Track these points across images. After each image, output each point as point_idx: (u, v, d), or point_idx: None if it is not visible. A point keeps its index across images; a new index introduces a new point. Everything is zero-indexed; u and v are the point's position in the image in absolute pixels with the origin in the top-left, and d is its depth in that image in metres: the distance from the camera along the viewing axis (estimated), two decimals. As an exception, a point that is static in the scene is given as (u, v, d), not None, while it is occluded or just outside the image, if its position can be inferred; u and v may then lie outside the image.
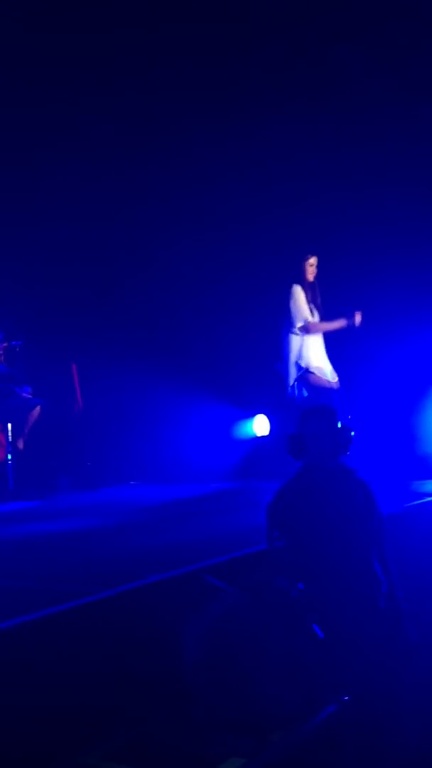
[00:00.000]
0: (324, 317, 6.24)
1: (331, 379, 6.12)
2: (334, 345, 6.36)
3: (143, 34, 6.77)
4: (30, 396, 6.96)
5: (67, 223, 7.55)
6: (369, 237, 7.14)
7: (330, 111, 7.05)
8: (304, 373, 6.04)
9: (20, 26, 6.56)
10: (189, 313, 7.85)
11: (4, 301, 6.97)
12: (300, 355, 6.07)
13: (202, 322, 7.78)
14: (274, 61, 6.91)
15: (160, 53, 6.89)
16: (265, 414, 7.53)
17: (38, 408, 6.89)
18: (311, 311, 6.15)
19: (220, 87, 7.11)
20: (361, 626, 3.16)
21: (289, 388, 6.14)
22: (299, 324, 6.09)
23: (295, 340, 6.11)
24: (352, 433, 3.48)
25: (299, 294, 6.09)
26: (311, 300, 6.15)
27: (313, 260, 6.18)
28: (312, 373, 6.05)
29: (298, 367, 6.08)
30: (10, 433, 6.84)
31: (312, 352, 6.09)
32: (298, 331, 6.09)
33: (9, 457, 6.81)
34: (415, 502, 5.26)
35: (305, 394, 6.06)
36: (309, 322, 6.06)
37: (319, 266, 6.38)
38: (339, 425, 3.49)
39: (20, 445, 6.86)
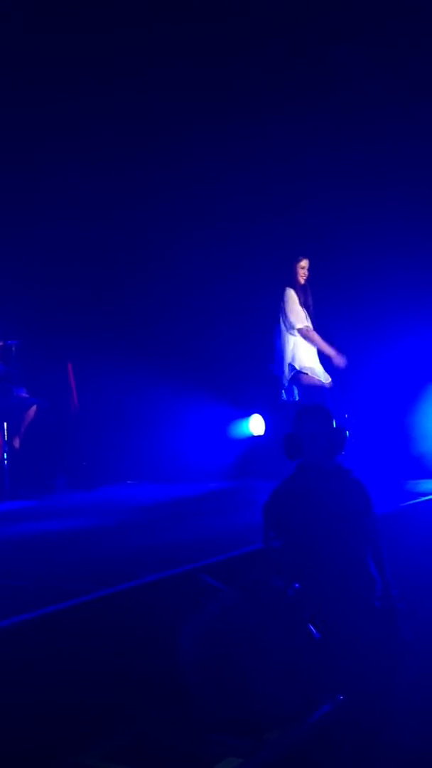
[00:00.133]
0: (316, 319, 6.25)
1: (323, 380, 6.14)
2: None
3: (143, 34, 6.77)
4: (26, 395, 6.97)
5: (63, 223, 7.55)
6: (364, 237, 7.15)
7: (328, 111, 7.05)
8: (297, 373, 6.07)
9: (20, 26, 6.56)
10: (185, 313, 7.85)
11: (0, 301, 6.97)
12: (293, 356, 6.10)
13: (198, 321, 7.79)
14: (273, 61, 6.92)
15: (159, 53, 6.89)
16: (260, 414, 7.54)
17: (34, 407, 6.89)
18: (305, 313, 6.17)
19: (219, 87, 7.12)
20: (356, 626, 3.17)
21: (283, 389, 6.16)
22: (299, 326, 6.11)
23: (289, 341, 6.13)
24: (348, 433, 3.49)
25: (293, 297, 6.11)
26: (303, 303, 6.17)
27: (304, 263, 6.20)
28: (305, 373, 6.08)
29: (291, 367, 6.10)
30: (6, 433, 6.84)
31: (305, 353, 6.12)
32: (294, 333, 6.11)
33: (5, 456, 6.81)
34: (410, 502, 5.28)
35: (299, 394, 6.08)
36: (307, 328, 6.09)
37: (316, 266, 6.40)
38: (334, 425, 3.51)
39: (16, 444, 6.86)
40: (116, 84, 7.05)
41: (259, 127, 7.22)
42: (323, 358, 6.31)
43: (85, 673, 2.97)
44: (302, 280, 6.19)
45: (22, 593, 3.44)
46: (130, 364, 7.57)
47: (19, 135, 7.03)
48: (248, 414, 7.61)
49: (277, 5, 6.67)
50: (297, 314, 6.12)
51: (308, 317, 6.19)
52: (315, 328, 6.22)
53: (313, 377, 6.09)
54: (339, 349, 6.35)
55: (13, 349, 7.06)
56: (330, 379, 6.18)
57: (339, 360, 6.19)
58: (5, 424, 6.85)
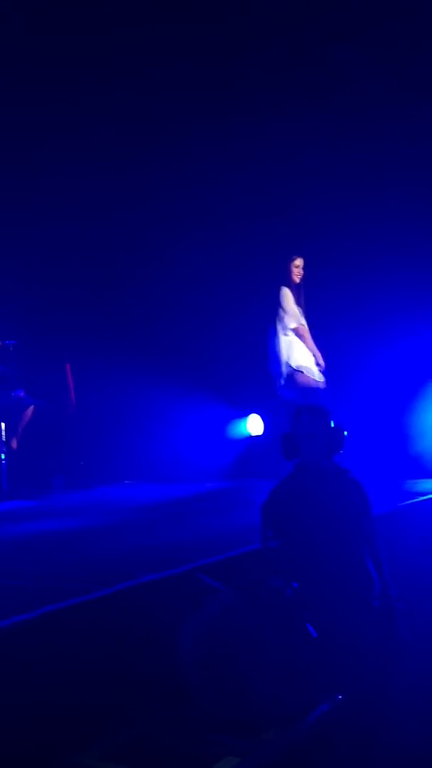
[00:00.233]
0: (309, 318, 6.25)
1: (318, 379, 6.13)
2: (326, 345, 6.37)
3: (143, 34, 6.77)
4: (24, 396, 6.96)
5: (60, 223, 7.56)
6: (362, 237, 7.16)
7: (328, 111, 7.06)
8: (293, 372, 6.06)
9: (20, 26, 6.55)
10: (184, 313, 7.86)
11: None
12: (289, 355, 6.09)
13: (197, 321, 7.79)
14: (273, 61, 6.92)
15: (159, 53, 6.89)
16: (258, 413, 7.54)
17: (32, 408, 6.89)
18: (300, 312, 6.16)
19: (219, 87, 7.12)
20: (355, 625, 3.18)
21: (279, 388, 6.15)
22: (294, 325, 6.10)
23: (285, 341, 6.12)
24: (345, 433, 3.49)
25: (288, 296, 6.11)
26: (296, 302, 6.15)
27: (298, 262, 6.19)
28: (300, 372, 6.06)
29: (287, 366, 6.09)
30: (3, 433, 6.83)
31: (300, 352, 6.11)
32: (289, 332, 6.10)
33: (3, 456, 6.81)
34: (408, 502, 5.28)
35: (294, 393, 6.07)
36: (300, 327, 6.07)
37: (316, 266, 6.40)
38: (332, 425, 3.51)
39: (14, 444, 6.86)
40: (116, 84, 7.05)
41: (259, 127, 7.22)
42: (324, 356, 6.30)
43: (83, 673, 2.97)
44: (297, 279, 6.18)
45: (20, 593, 3.44)
46: (127, 363, 7.57)
47: (17, 135, 7.03)
48: (246, 414, 7.62)
49: (277, 5, 6.67)
50: (293, 313, 6.11)
51: (303, 316, 6.18)
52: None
53: (308, 377, 6.08)
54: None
55: (11, 349, 7.05)
56: (323, 379, 6.17)
57: (320, 360, 6.18)
58: (3, 424, 6.84)
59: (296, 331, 6.10)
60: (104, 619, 3.17)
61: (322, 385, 6.13)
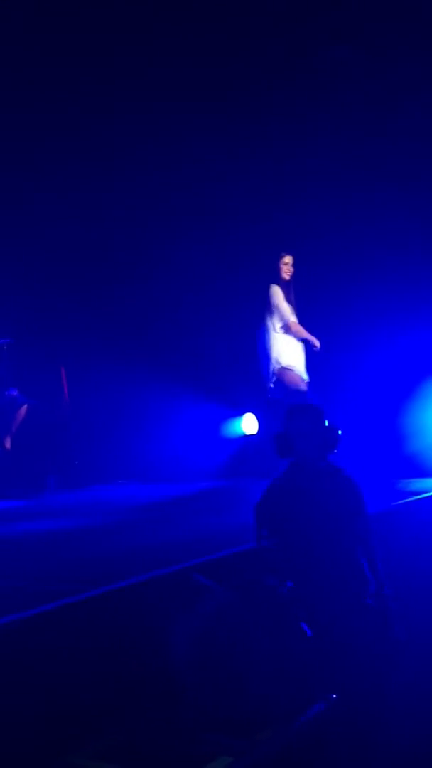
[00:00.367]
0: (300, 316, 6.22)
1: (305, 378, 6.11)
2: (320, 344, 6.36)
3: (143, 34, 6.76)
4: (17, 395, 6.95)
5: (56, 223, 7.54)
6: (359, 236, 7.16)
7: (319, 111, 7.07)
8: (281, 370, 6.02)
9: (20, 26, 6.54)
10: (178, 313, 7.85)
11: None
12: (279, 353, 6.05)
13: (190, 320, 7.78)
14: (268, 62, 6.92)
15: (158, 53, 6.88)
16: (253, 413, 7.54)
17: (25, 407, 6.87)
18: (290, 309, 6.14)
19: (218, 87, 7.11)
20: (349, 624, 3.18)
21: (269, 386, 6.12)
22: (282, 323, 6.05)
23: (275, 339, 6.08)
24: (340, 432, 3.49)
25: (278, 293, 6.08)
26: (287, 299, 6.13)
27: (288, 259, 6.15)
28: (289, 370, 6.03)
29: (276, 364, 6.05)
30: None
31: (289, 351, 6.07)
32: (279, 330, 6.07)
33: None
34: (402, 501, 5.29)
35: (282, 391, 6.04)
36: (291, 323, 6.04)
37: (311, 265, 6.38)
38: (326, 424, 3.50)
39: (7, 444, 6.85)
40: (115, 84, 7.04)
41: (252, 128, 7.22)
42: (318, 357, 6.29)
43: (77, 673, 2.96)
44: (287, 277, 6.15)
45: (13, 593, 3.43)
46: (122, 363, 7.57)
47: (14, 135, 7.02)
48: (241, 413, 7.62)
49: (277, 5, 6.66)
50: (283, 311, 6.08)
51: (293, 313, 6.15)
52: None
53: (296, 375, 6.05)
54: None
55: (5, 348, 7.04)
56: (308, 380, 6.13)
57: (316, 342, 6.13)
58: (-4, 423, 6.83)
59: (286, 329, 6.06)
60: (98, 619, 3.17)
61: (304, 386, 6.08)
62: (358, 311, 7.15)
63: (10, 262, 7.34)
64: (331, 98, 6.98)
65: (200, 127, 7.08)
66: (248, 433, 7.60)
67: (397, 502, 5.23)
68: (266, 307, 6.10)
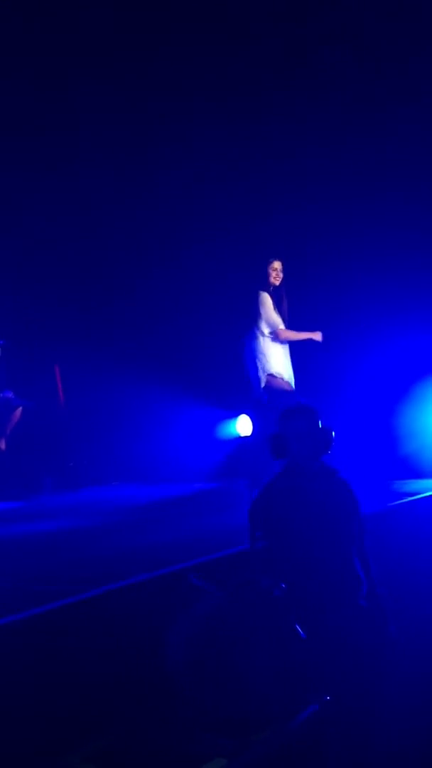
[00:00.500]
0: (294, 320, 6.19)
1: (291, 385, 6.07)
2: (315, 346, 6.37)
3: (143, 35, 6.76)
4: (12, 397, 6.94)
5: (51, 225, 7.55)
6: (354, 239, 7.17)
7: (311, 114, 7.08)
8: (268, 377, 5.96)
9: (19, 26, 6.54)
10: (173, 314, 7.86)
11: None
12: (267, 361, 5.98)
13: (186, 322, 7.79)
14: (270, 62, 6.93)
15: (158, 53, 6.88)
16: (248, 414, 7.54)
17: (20, 409, 6.87)
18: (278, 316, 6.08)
19: (217, 88, 7.12)
20: (343, 625, 3.18)
21: (257, 392, 6.07)
22: (268, 330, 5.98)
23: (263, 345, 6.00)
24: (333, 433, 3.50)
25: (267, 300, 5.98)
26: (276, 305, 6.06)
27: (277, 264, 6.04)
28: (276, 377, 5.98)
29: (264, 371, 5.99)
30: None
31: (275, 357, 6.01)
32: (266, 336, 5.99)
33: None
34: (396, 502, 5.30)
35: (270, 397, 5.99)
36: (279, 330, 5.96)
37: (304, 267, 6.34)
38: (320, 425, 3.51)
39: (2, 445, 6.84)
40: (114, 85, 7.04)
41: (253, 129, 7.22)
42: (313, 358, 6.26)
43: (72, 674, 2.97)
44: (276, 282, 6.05)
45: (8, 594, 3.43)
46: (117, 364, 7.57)
47: (13, 135, 7.02)
48: (236, 415, 7.62)
49: (276, 5, 6.66)
50: (271, 318, 6.00)
51: (282, 320, 6.08)
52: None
53: (283, 383, 6.01)
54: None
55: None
56: (294, 388, 6.09)
57: (316, 336, 6.09)
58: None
59: (274, 336, 5.98)
60: (93, 620, 3.17)
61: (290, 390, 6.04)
62: (352, 313, 7.17)
63: (4, 263, 7.33)
64: (326, 101, 6.99)
65: (198, 129, 7.09)
66: (243, 434, 7.60)
67: (391, 503, 5.24)
68: (254, 314, 6.01)
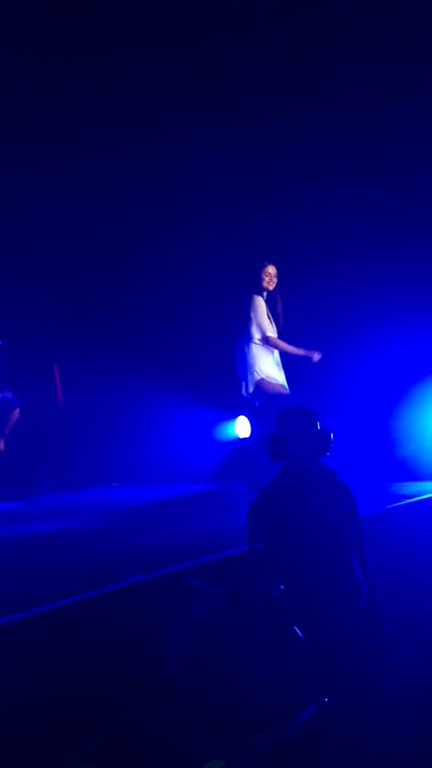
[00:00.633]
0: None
1: (285, 387, 6.05)
2: (313, 347, 6.35)
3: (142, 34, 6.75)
4: (11, 397, 6.94)
5: (50, 225, 7.55)
6: (350, 241, 7.18)
7: (306, 114, 7.09)
8: (260, 380, 5.93)
9: (19, 25, 6.55)
10: (172, 315, 7.86)
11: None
12: (258, 364, 5.95)
13: (185, 323, 7.79)
14: (269, 62, 6.93)
15: (157, 53, 6.88)
16: (246, 416, 7.55)
17: (18, 409, 6.86)
18: (270, 322, 6.06)
19: (213, 89, 7.12)
20: (342, 627, 3.19)
21: (247, 395, 6.03)
22: (258, 335, 5.95)
23: (255, 349, 5.97)
24: (332, 435, 3.51)
25: (259, 305, 5.95)
26: (270, 309, 6.03)
27: (271, 269, 6.00)
28: (269, 381, 5.95)
29: (255, 375, 5.96)
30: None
31: (265, 362, 5.97)
32: (257, 341, 5.96)
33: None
34: (395, 504, 5.31)
35: (262, 401, 5.97)
36: (269, 337, 5.93)
37: (302, 269, 6.32)
38: (319, 427, 3.52)
39: (1, 446, 6.84)
40: (113, 84, 7.04)
41: (256, 128, 7.22)
42: (309, 360, 6.25)
43: (72, 674, 2.97)
44: (270, 287, 5.98)
45: (6, 594, 3.44)
46: (116, 365, 7.57)
47: (12, 135, 7.02)
48: (234, 416, 7.63)
49: (276, 3, 6.66)
50: (261, 323, 5.97)
51: (274, 325, 6.00)
52: (282, 336, 6.02)
53: (277, 385, 5.99)
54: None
55: (-2, 349, 7.03)
56: (288, 391, 6.07)
57: (314, 355, 6.07)
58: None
59: (264, 341, 5.95)
60: (92, 621, 3.18)
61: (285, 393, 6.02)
62: (351, 315, 7.17)
63: (3, 263, 7.34)
64: (325, 101, 6.99)
65: (197, 129, 7.10)
66: (241, 436, 7.60)
67: (390, 506, 5.26)
68: (246, 318, 5.98)
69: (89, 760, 2.81)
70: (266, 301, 5.97)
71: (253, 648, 3.07)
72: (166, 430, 7.84)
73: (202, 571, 3.57)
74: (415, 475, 6.68)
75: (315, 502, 3.42)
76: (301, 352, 6.03)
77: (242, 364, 5.99)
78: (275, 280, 5.96)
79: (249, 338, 5.93)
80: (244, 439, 7.51)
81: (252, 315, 5.91)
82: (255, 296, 5.93)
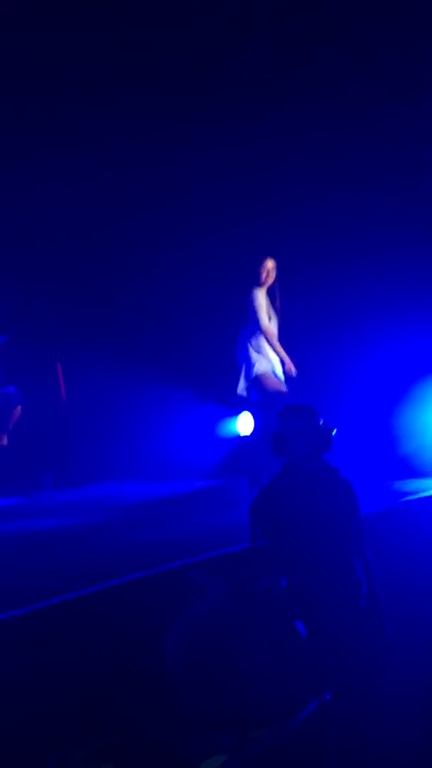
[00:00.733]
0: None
1: (283, 383, 6.04)
2: (314, 345, 6.35)
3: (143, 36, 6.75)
4: (14, 392, 6.94)
5: (52, 222, 7.54)
6: (351, 239, 7.17)
7: (305, 113, 7.07)
8: (259, 375, 5.93)
9: (19, 25, 6.54)
10: (175, 311, 7.85)
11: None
12: (258, 358, 5.95)
13: (186, 320, 7.78)
14: (266, 63, 6.92)
15: (156, 54, 6.87)
16: (249, 412, 7.54)
17: (19, 407, 6.86)
18: (270, 316, 6.06)
19: (210, 90, 7.10)
20: (343, 625, 3.19)
21: (245, 391, 6.03)
22: (260, 329, 5.93)
23: (254, 343, 5.96)
24: (334, 432, 3.50)
25: (258, 299, 5.95)
26: (270, 304, 6.02)
27: (270, 264, 6.01)
28: (266, 375, 5.95)
29: (254, 370, 5.96)
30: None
31: (266, 356, 5.97)
32: (257, 335, 5.94)
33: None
34: (397, 502, 5.31)
35: (259, 397, 5.96)
36: (266, 331, 5.93)
37: (302, 267, 6.30)
38: (321, 423, 3.51)
39: (4, 442, 6.84)
40: (113, 84, 7.03)
41: (256, 128, 7.21)
42: (310, 359, 6.24)
43: (70, 672, 2.98)
44: (269, 281, 5.95)
45: (6, 591, 3.44)
46: (119, 362, 7.57)
47: (12, 135, 7.01)
48: (237, 413, 7.63)
49: (275, 3, 6.64)
50: (261, 317, 5.96)
51: (273, 320, 6.00)
52: (282, 331, 6.02)
53: (274, 380, 5.99)
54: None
55: (1, 346, 7.03)
56: (285, 388, 6.07)
57: (292, 369, 6.09)
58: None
59: (264, 334, 5.95)
60: (92, 618, 3.18)
61: (283, 389, 6.01)
62: (352, 313, 7.16)
63: (4, 260, 7.33)
64: (325, 101, 6.97)
65: (197, 129, 7.08)
66: (243, 433, 7.60)
67: (391, 503, 5.25)
68: (247, 311, 5.99)
69: (91, 757, 2.81)
70: (265, 296, 5.99)
71: (254, 645, 3.07)
72: (167, 427, 7.84)
73: (203, 568, 3.56)
74: (417, 473, 6.67)
75: (316, 500, 3.41)
76: (285, 357, 6.03)
77: (242, 359, 6.00)
78: (274, 274, 5.97)
79: (249, 332, 5.94)
80: (246, 436, 7.52)
81: (251, 309, 5.92)
82: (255, 289, 5.94)
